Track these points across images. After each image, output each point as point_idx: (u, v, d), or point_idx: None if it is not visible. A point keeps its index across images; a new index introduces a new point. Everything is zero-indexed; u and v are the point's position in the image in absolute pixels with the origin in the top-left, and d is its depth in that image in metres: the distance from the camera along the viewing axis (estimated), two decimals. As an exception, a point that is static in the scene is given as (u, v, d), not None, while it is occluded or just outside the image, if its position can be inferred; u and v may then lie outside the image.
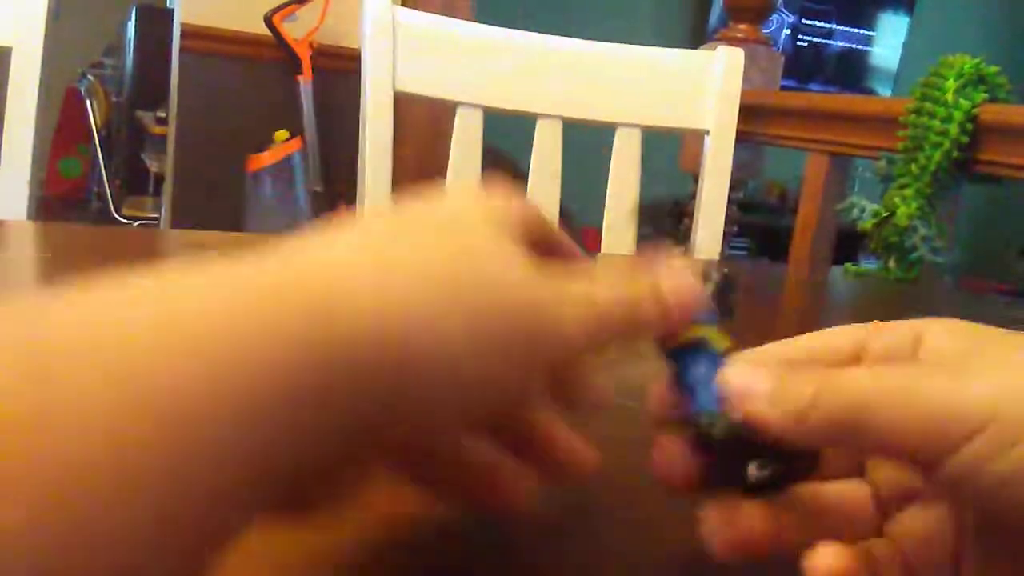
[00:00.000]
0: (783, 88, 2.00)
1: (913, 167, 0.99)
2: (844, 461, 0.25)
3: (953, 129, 0.98)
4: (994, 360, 0.22)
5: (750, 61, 1.46)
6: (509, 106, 0.97)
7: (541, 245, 0.25)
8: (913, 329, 0.24)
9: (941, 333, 0.24)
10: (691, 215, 1.13)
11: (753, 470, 0.23)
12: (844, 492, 0.25)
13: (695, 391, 0.24)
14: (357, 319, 0.18)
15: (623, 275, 0.24)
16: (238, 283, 0.17)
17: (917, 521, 0.24)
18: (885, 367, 0.22)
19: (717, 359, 0.24)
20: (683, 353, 0.25)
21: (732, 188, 1.09)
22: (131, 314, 0.15)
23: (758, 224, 4.12)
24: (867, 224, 0.97)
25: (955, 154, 0.99)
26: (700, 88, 1.03)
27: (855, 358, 0.25)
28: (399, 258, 0.20)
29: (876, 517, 0.25)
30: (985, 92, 1.00)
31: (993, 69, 1.01)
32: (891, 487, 0.25)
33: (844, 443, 0.23)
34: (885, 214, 0.96)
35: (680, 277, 0.24)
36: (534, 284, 0.22)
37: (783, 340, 0.27)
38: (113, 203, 3.31)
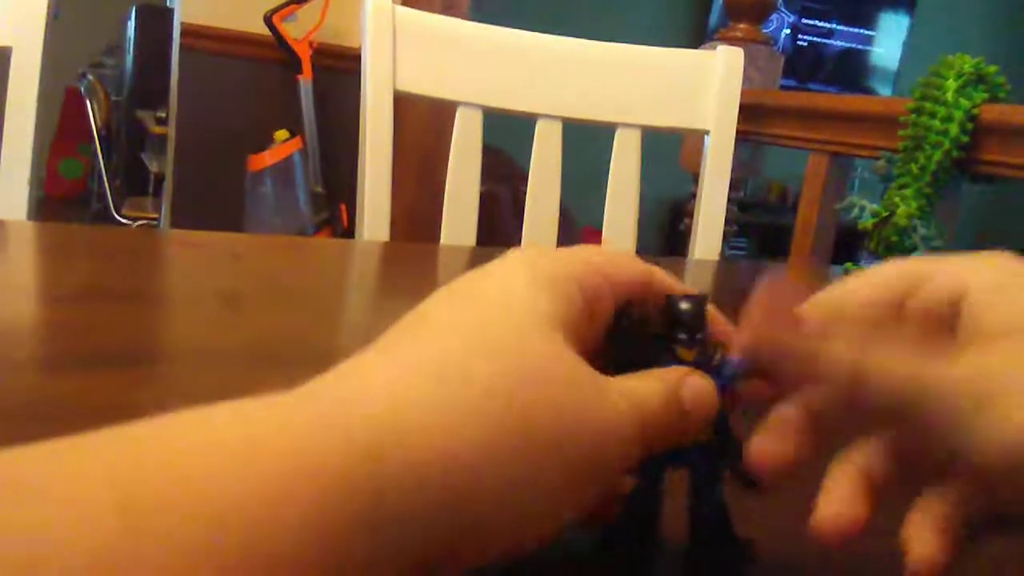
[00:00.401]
0: (783, 88, 2.00)
1: (913, 167, 0.99)
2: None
3: (953, 129, 0.98)
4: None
5: (750, 61, 1.46)
6: (509, 106, 0.97)
7: (618, 290, 0.24)
8: (953, 287, 0.24)
9: (981, 299, 0.23)
10: (691, 215, 1.13)
11: None
12: None
13: (698, 481, 0.25)
14: (410, 467, 0.18)
15: (653, 376, 0.23)
16: (293, 427, 0.18)
17: None
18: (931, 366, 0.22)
19: (711, 456, 0.25)
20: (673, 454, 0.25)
21: (732, 188, 1.09)
22: (205, 461, 0.16)
23: (758, 224, 4.12)
24: (867, 224, 0.97)
25: (955, 154, 0.98)
26: (700, 88, 1.03)
27: (892, 311, 0.25)
28: (452, 395, 0.19)
29: None
30: (985, 92, 1.00)
31: (993, 69, 1.01)
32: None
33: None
34: (885, 214, 0.96)
35: (701, 384, 0.24)
36: (593, 404, 0.21)
37: (826, 290, 0.26)
38: (113, 203, 3.30)
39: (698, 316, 0.24)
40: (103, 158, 3.40)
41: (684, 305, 0.24)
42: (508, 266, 0.23)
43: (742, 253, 4.31)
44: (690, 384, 0.23)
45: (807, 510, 0.23)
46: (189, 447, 0.16)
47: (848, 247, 1.56)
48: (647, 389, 0.23)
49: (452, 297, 0.23)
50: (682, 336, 0.24)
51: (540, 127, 0.98)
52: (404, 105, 0.95)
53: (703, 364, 0.24)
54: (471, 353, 0.20)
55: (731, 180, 1.05)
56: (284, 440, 0.17)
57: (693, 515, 0.26)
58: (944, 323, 0.24)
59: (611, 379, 0.22)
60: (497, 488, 0.19)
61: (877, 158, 1.08)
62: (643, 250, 1.02)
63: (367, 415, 0.18)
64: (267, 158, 2.24)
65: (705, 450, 0.25)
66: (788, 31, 4.47)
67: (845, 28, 4.56)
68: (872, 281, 0.26)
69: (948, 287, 0.24)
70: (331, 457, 0.17)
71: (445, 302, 0.23)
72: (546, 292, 0.22)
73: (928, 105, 1.00)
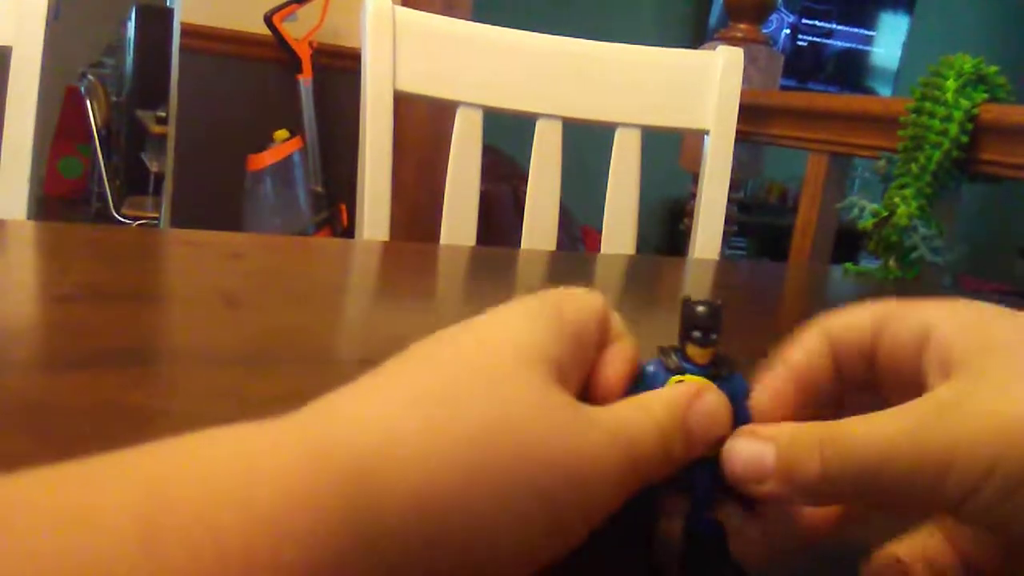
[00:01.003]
0: (783, 88, 2.00)
1: (913, 167, 0.99)
2: None
3: (953, 129, 0.98)
4: (999, 377, 0.21)
5: (750, 61, 1.46)
6: (509, 106, 0.97)
7: (598, 337, 0.25)
8: (922, 322, 0.24)
9: (950, 330, 0.24)
10: (691, 215, 1.13)
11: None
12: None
13: (696, 499, 0.25)
14: (394, 497, 0.18)
15: (656, 402, 0.23)
16: (282, 450, 0.18)
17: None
18: (886, 420, 0.22)
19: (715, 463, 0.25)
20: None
21: (732, 188, 1.09)
22: (211, 488, 0.17)
23: (758, 224, 4.13)
24: (867, 224, 0.97)
25: (955, 154, 0.98)
26: (700, 88, 1.03)
27: (870, 347, 0.25)
28: (439, 430, 0.20)
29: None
30: (985, 92, 1.00)
31: (993, 69, 1.01)
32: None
33: (858, 502, 0.23)
34: (885, 214, 0.96)
35: (713, 403, 0.24)
36: (574, 445, 0.21)
37: (800, 333, 0.27)
38: (113, 203, 3.30)
39: (713, 317, 0.24)
40: (103, 158, 3.40)
41: (700, 308, 0.25)
42: (501, 307, 0.24)
43: (742, 253, 4.31)
44: (698, 407, 0.23)
45: (804, 534, 0.23)
46: (198, 476, 0.17)
47: (848, 247, 1.56)
48: (641, 421, 0.23)
49: (446, 334, 0.23)
50: (696, 335, 0.24)
51: (540, 127, 0.98)
52: (404, 105, 0.95)
53: (712, 371, 0.24)
54: (458, 387, 0.21)
55: (731, 180, 1.05)
56: (278, 467, 0.18)
57: (689, 532, 0.25)
58: (909, 359, 0.24)
59: (601, 413, 0.22)
60: (473, 527, 0.19)
61: (877, 158, 1.08)
62: (643, 250, 1.02)
63: (356, 443, 0.19)
64: (267, 158, 2.24)
65: (708, 466, 0.24)
66: (788, 31, 4.47)
67: (845, 28, 4.56)
68: (852, 319, 0.26)
69: (915, 325, 0.24)
70: (321, 486, 0.18)
71: (439, 338, 0.23)
72: (532, 324, 0.23)
73: (928, 105, 1.00)
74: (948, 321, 0.24)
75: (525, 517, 0.20)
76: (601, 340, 0.25)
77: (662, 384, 0.25)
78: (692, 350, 0.24)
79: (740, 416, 0.25)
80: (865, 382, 0.26)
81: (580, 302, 0.25)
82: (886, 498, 0.22)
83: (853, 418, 0.22)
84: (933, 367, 0.24)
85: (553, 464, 0.20)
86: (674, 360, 0.25)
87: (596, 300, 0.26)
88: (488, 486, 0.19)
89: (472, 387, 0.21)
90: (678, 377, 0.25)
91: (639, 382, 0.25)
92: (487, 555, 0.20)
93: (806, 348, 0.26)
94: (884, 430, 0.21)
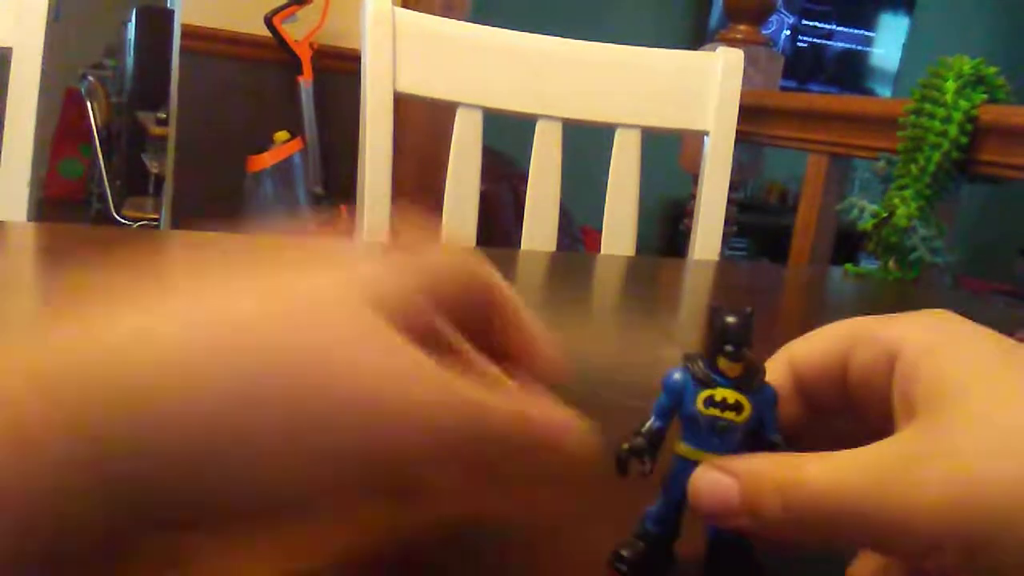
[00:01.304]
0: (783, 89, 2.00)
1: (912, 168, 0.99)
2: None
3: (953, 130, 0.98)
4: (956, 428, 0.21)
5: (750, 62, 1.46)
6: (509, 106, 0.97)
7: (463, 302, 0.23)
8: (889, 344, 0.24)
9: (914, 355, 0.23)
10: (691, 215, 1.13)
11: None
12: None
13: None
14: (164, 402, 0.17)
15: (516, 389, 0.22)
16: (60, 345, 0.18)
17: None
18: (847, 469, 0.21)
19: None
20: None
21: (732, 188, 1.09)
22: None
23: (758, 224, 4.12)
24: (867, 225, 0.97)
25: (955, 154, 0.99)
26: (700, 88, 1.03)
27: (840, 373, 0.25)
28: (204, 326, 0.18)
29: None
30: (985, 92, 1.00)
31: (993, 69, 1.01)
32: None
33: (826, 540, 0.22)
34: (885, 215, 0.96)
35: (548, 405, 0.22)
36: (393, 376, 0.19)
37: (782, 352, 0.27)
38: (113, 204, 3.31)
39: (745, 329, 0.24)
40: (103, 159, 3.41)
41: (730, 319, 0.24)
42: (320, 272, 0.21)
43: (742, 253, 4.31)
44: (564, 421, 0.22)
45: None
46: None
47: (848, 248, 1.56)
48: (500, 396, 0.21)
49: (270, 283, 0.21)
50: (729, 349, 0.24)
51: (540, 127, 0.98)
52: (404, 106, 0.95)
53: (744, 383, 0.24)
54: (238, 296, 0.19)
55: (731, 181, 1.05)
56: (46, 369, 0.17)
57: (712, 541, 0.25)
58: (881, 384, 0.24)
59: (453, 374, 0.20)
60: (244, 440, 0.17)
61: (877, 159, 1.08)
62: (643, 250, 1.02)
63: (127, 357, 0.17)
64: (267, 159, 2.24)
65: None
66: (788, 32, 4.47)
67: (845, 29, 4.56)
68: (818, 345, 0.26)
69: (882, 347, 0.24)
70: (38, 414, 0.17)
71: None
72: (359, 291, 0.21)
73: (927, 106, 1.00)
74: (914, 344, 0.23)
75: (308, 450, 0.17)
76: (461, 291, 0.23)
77: (693, 397, 0.24)
78: (724, 363, 0.24)
79: (769, 426, 0.25)
80: (840, 409, 0.26)
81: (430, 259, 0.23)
82: (854, 545, 0.22)
83: (812, 459, 0.21)
84: (898, 397, 0.23)
85: (352, 391, 0.17)
86: (703, 371, 0.24)
87: (451, 256, 0.24)
88: (253, 399, 0.17)
89: (260, 297, 0.19)
90: (709, 391, 0.24)
91: (664, 390, 0.25)
92: (245, 491, 0.17)
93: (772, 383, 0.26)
94: (846, 478, 0.21)
